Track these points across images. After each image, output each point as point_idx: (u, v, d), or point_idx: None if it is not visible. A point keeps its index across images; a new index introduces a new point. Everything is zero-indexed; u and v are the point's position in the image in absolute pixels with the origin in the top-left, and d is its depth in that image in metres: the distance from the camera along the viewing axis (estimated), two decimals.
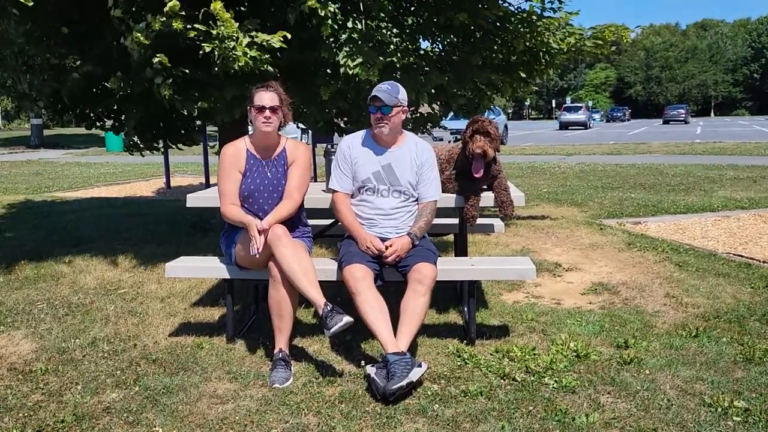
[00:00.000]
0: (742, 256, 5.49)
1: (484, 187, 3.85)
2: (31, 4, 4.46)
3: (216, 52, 4.33)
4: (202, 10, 4.40)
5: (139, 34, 4.31)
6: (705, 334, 3.63)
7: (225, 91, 4.86)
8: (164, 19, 4.30)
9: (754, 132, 31.21)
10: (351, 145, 3.52)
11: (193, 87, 4.88)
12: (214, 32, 4.33)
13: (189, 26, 4.39)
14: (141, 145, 6.30)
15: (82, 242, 6.33)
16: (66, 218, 8.01)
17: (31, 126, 29.64)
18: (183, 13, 4.33)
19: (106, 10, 4.66)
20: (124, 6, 4.59)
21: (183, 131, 6.48)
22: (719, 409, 2.75)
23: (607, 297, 4.46)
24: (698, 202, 8.55)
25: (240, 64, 4.33)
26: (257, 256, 3.20)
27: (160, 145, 6.55)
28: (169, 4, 4.25)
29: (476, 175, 3.64)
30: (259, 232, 3.21)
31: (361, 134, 3.59)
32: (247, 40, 4.38)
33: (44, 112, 6.41)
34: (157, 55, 4.43)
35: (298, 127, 7.33)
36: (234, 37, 4.33)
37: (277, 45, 4.46)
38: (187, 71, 4.66)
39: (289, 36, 4.55)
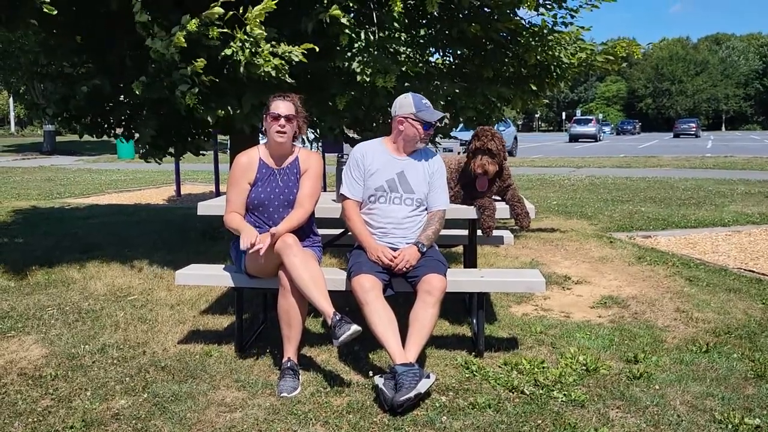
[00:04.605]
0: (753, 272, 5.46)
1: (498, 198, 3.86)
2: (55, 12, 4.50)
3: (242, 57, 4.35)
4: (230, 13, 4.43)
5: (180, 34, 4.30)
6: (716, 350, 3.61)
7: (243, 99, 4.90)
8: (199, 23, 4.32)
9: (765, 147, 31.04)
10: (365, 153, 3.54)
11: (212, 95, 4.91)
12: (240, 36, 4.35)
13: (220, 32, 4.43)
14: (154, 152, 6.34)
15: (93, 248, 6.36)
16: (77, 224, 8.06)
17: (43, 132, 29.87)
18: (220, 22, 4.37)
19: (123, 17, 4.69)
20: (150, 10, 4.60)
21: (194, 139, 6.52)
22: (730, 426, 2.73)
23: (616, 311, 4.44)
24: (709, 216, 8.50)
25: (266, 69, 4.36)
26: (249, 251, 3.21)
27: (171, 150, 6.58)
28: (211, 10, 4.28)
29: (481, 189, 3.73)
30: (272, 237, 3.23)
31: (374, 142, 3.62)
32: (269, 48, 4.40)
33: (51, 119, 6.44)
34: (196, 60, 4.43)
35: (303, 139, 7.34)
36: (258, 43, 4.36)
37: (297, 59, 4.49)
38: (216, 79, 4.67)
39: (317, 49, 4.58)
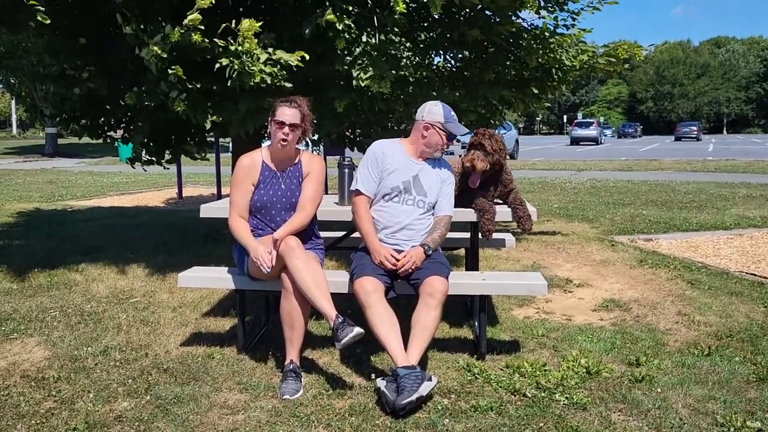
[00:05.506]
0: (755, 275, 5.46)
1: (499, 201, 3.87)
2: (48, 22, 4.51)
3: (234, 67, 4.37)
4: (223, 26, 4.44)
5: (156, 47, 4.35)
6: (717, 353, 3.61)
7: (239, 104, 4.90)
8: (183, 31, 4.33)
9: (767, 150, 31.02)
10: (385, 151, 3.54)
11: (207, 100, 4.91)
12: (233, 48, 4.37)
13: (206, 39, 4.43)
14: (146, 159, 6.33)
15: (95, 251, 6.37)
16: (79, 227, 8.07)
17: (45, 135, 29.93)
18: (203, 27, 4.38)
19: (119, 23, 4.71)
20: (135, 23, 4.63)
21: (193, 142, 6.52)
22: (732, 429, 2.73)
23: (618, 314, 4.44)
24: (710, 219, 8.50)
25: (255, 80, 4.37)
26: (268, 271, 3.22)
27: (165, 159, 6.57)
28: (190, 17, 4.28)
29: (472, 186, 3.74)
30: (274, 243, 3.23)
31: (392, 142, 3.63)
32: (264, 56, 4.41)
33: (48, 120, 6.45)
34: (172, 67, 4.46)
35: (306, 141, 7.34)
36: (252, 54, 4.37)
37: (294, 64, 4.50)
38: (199, 86, 4.68)
39: (307, 57, 4.59)
